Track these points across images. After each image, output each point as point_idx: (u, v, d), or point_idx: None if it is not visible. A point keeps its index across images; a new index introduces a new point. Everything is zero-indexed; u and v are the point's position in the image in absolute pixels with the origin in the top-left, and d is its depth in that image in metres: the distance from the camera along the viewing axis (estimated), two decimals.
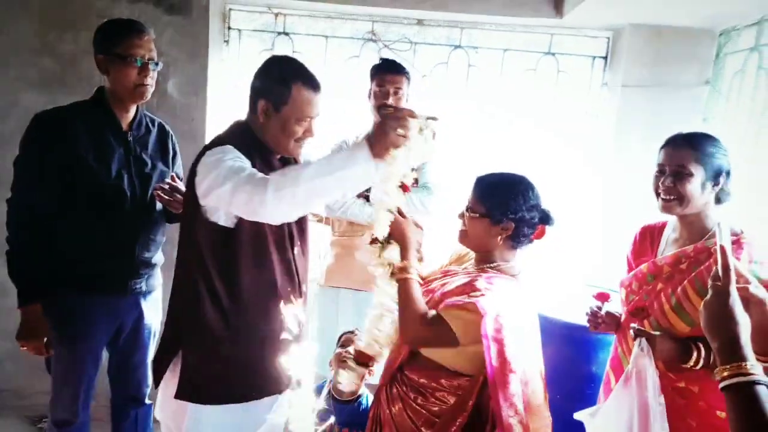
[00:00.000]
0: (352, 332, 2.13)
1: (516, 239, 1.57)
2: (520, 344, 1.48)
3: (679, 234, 1.61)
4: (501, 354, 1.43)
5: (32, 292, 1.85)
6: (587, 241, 3.03)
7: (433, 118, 1.59)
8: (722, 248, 1.06)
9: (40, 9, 2.64)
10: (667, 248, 1.63)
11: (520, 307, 1.54)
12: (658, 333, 1.50)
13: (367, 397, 2.18)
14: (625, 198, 2.83)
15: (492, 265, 1.57)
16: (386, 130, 1.33)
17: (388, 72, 2.38)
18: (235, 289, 1.59)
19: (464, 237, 1.62)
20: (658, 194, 1.59)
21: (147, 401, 2.18)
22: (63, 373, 1.97)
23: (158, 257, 2.11)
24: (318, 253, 2.92)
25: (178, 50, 2.69)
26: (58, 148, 1.81)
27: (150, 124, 2.04)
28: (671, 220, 1.67)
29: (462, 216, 1.62)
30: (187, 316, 1.61)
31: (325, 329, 2.38)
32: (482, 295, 1.45)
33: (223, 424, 1.63)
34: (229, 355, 1.61)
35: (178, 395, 1.58)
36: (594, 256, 2.94)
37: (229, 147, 1.53)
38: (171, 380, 1.65)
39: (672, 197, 1.54)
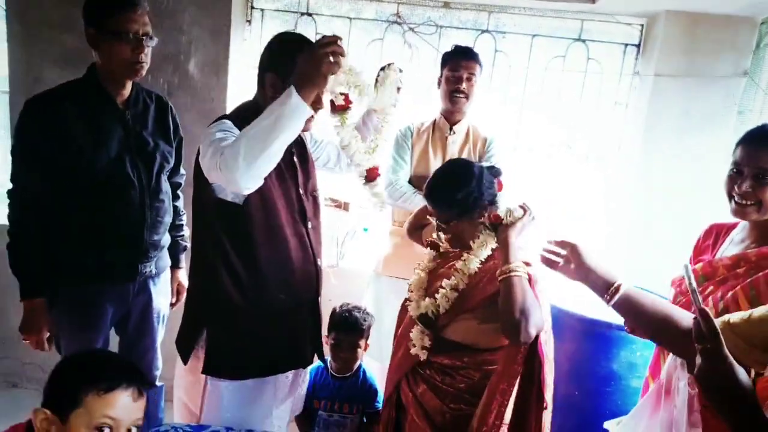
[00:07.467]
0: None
1: None
2: None
3: (747, 235, 1.42)
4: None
5: (33, 287, 1.80)
6: (612, 234, 2.95)
7: (389, 66, 1.77)
8: None
9: None
10: (729, 249, 1.45)
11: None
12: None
13: (365, 371, 2.18)
14: (654, 191, 2.75)
15: None
16: (312, 58, 1.38)
17: (463, 58, 2.33)
18: (252, 264, 1.63)
19: None
20: (731, 196, 1.38)
21: (158, 383, 2.17)
22: None
23: (166, 239, 2.07)
24: (333, 237, 2.89)
25: (200, 29, 2.67)
26: (52, 133, 1.73)
27: (147, 99, 1.94)
28: (744, 222, 1.46)
29: None
30: (207, 294, 1.65)
31: (382, 317, 2.34)
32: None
33: (242, 398, 1.68)
34: (250, 330, 1.65)
35: (206, 371, 1.64)
36: (619, 250, 2.86)
37: (227, 122, 1.55)
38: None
39: (749, 202, 1.34)
